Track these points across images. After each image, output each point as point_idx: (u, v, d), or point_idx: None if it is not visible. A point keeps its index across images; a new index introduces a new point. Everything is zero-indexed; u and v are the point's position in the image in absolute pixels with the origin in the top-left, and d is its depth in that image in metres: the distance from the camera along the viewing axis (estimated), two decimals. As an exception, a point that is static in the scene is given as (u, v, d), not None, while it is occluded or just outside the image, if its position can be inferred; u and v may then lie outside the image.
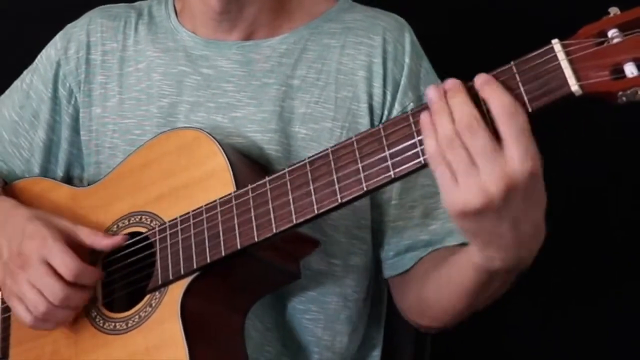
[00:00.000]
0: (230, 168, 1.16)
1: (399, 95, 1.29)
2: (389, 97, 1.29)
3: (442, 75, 1.33)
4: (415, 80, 1.30)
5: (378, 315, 1.40)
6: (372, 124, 1.28)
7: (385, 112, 1.29)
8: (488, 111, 0.94)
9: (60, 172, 1.41)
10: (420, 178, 1.27)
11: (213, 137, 1.20)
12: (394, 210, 1.28)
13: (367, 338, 1.38)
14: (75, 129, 1.40)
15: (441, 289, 1.19)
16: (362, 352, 1.37)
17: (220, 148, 1.18)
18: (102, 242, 1.21)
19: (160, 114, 1.33)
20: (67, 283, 1.17)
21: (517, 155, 0.92)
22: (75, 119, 1.39)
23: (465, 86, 0.97)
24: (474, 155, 0.93)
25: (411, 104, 1.27)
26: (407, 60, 1.31)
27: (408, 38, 1.32)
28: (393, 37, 1.31)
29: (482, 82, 0.96)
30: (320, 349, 1.32)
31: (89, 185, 1.35)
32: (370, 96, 1.29)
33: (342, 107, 1.29)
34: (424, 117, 0.97)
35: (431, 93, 0.98)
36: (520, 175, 0.92)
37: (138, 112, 1.34)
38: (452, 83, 0.97)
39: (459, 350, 1.59)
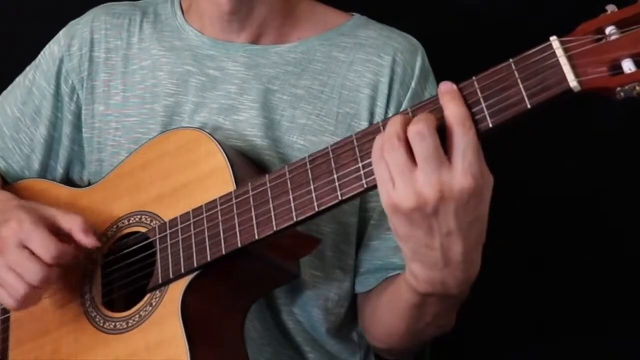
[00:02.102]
0: (229, 167, 1.16)
1: None
2: None
3: (443, 75, 1.33)
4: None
5: None
6: None
7: None
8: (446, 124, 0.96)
9: (60, 169, 1.41)
10: None
11: (213, 136, 1.20)
12: (371, 230, 1.29)
13: (356, 344, 1.38)
14: (77, 126, 1.40)
15: (384, 309, 1.23)
16: (354, 355, 1.38)
17: (220, 147, 1.18)
18: (79, 235, 1.19)
19: (164, 113, 1.33)
20: (45, 264, 1.16)
21: (459, 168, 0.94)
22: (77, 116, 1.39)
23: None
24: (417, 160, 0.95)
25: None
26: (413, 84, 1.30)
27: (419, 62, 1.32)
28: (404, 59, 1.31)
29: (443, 90, 0.99)
30: (312, 349, 1.33)
31: (89, 183, 1.36)
32: (372, 115, 1.29)
33: (343, 122, 1.29)
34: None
35: None
36: (457, 188, 0.94)
37: (142, 111, 1.34)
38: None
39: (459, 352, 1.59)
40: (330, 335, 1.33)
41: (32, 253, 1.16)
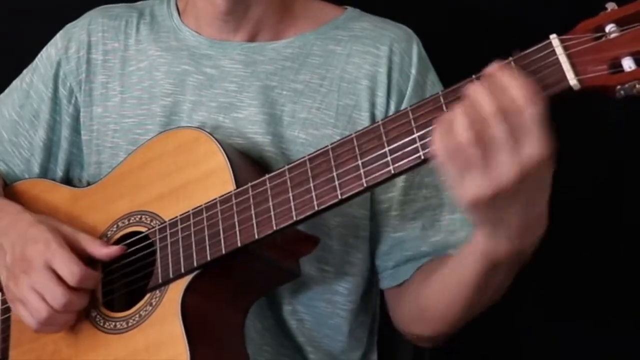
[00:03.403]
0: (229, 166, 1.16)
1: (403, 106, 1.28)
2: (392, 107, 1.28)
3: (442, 74, 1.34)
4: (421, 92, 1.29)
5: (372, 319, 1.40)
6: None
7: None
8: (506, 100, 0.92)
9: (60, 172, 1.41)
10: (423, 190, 1.27)
11: (212, 136, 1.20)
12: (394, 221, 1.29)
13: (360, 341, 1.38)
14: (76, 129, 1.40)
15: (441, 289, 1.19)
16: (357, 353, 1.38)
17: (220, 147, 1.18)
18: (101, 251, 1.22)
19: (162, 113, 1.33)
20: (69, 288, 1.17)
21: (534, 141, 0.90)
22: (76, 118, 1.39)
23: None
24: (491, 146, 0.91)
25: None
26: (413, 71, 1.30)
27: (416, 50, 1.32)
28: (400, 48, 1.31)
29: (498, 67, 0.95)
30: (314, 349, 1.33)
31: (88, 185, 1.36)
32: (372, 105, 1.29)
33: (344, 114, 1.29)
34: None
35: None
36: (535, 163, 0.90)
37: (140, 111, 1.34)
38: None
39: (458, 351, 1.59)
40: (338, 331, 1.32)
41: (57, 276, 1.17)
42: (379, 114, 1.28)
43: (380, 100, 1.29)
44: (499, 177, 0.91)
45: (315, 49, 1.32)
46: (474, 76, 0.99)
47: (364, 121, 1.28)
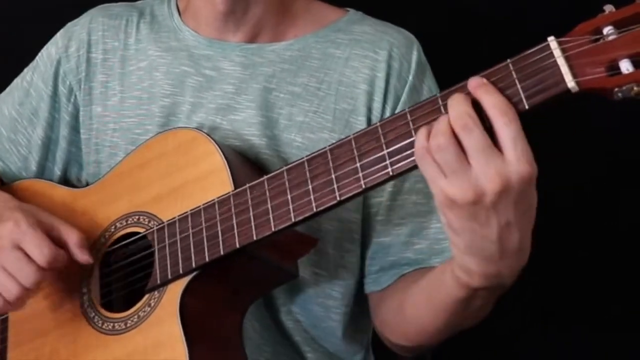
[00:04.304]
0: (227, 167, 1.16)
1: (397, 111, 1.26)
2: (387, 112, 1.28)
3: (441, 74, 1.33)
4: (417, 97, 1.29)
5: (367, 321, 1.39)
6: None
7: None
8: (487, 116, 0.94)
9: (57, 171, 1.41)
10: (413, 196, 1.27)
11: (210, 136, 1.20)
12: (380, 227, 1.28)
13: (359, 345, 1.38)
14: (75, 128, 1.40)
15: (420, 305, 1.18)
16: (356, 355, 1.38)
17: (218, 147, 1.18)
18: (74, 248, 1.20)
19: (161, 114, 1.32)
20: (40, 267, 1.16)
21: (513, 156, 0.91)
22: (75, 117, 1.39)
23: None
24: (469, 153, 0.92)
25: None
26: (410, 77, 1.29)
27: (415, 55, 1.31)
28: (400, 54, 1.30)
29: (475, 84, 0.96)
30: (312, 349, 1.33)
31: (87, 184, 1.36)
32: (369, 110, 1.28)
33: (341, 119, 1.28)
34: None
35: None
36: (516, 177, 0.91)
37: (139, 111, 1.34)
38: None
39: (459, 350, 1.59)
40: (332, 334, 1.32)
41: (27, 255, 1.17)
42: (375, 118, 1.28)
43: (377, 105, 1.28)
44: (479, 183, 0.92)
45: (314, 52, 1.32)
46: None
47: (360, 125, 1.27)
